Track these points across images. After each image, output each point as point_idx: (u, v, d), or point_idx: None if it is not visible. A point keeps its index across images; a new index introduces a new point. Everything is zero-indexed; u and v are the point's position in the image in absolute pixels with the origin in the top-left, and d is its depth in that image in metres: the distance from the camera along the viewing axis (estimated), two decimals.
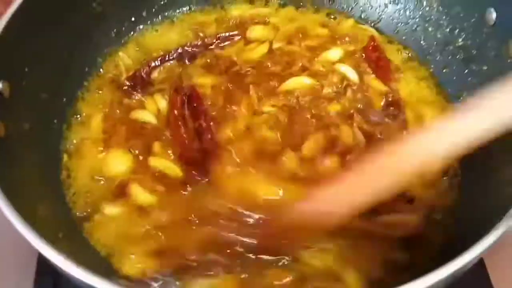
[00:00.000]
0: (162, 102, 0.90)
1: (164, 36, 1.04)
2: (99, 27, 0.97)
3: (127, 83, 0.94)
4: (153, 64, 0.96)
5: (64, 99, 0.90)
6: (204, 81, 0.93)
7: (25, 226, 0.58)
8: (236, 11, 1.07)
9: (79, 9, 0.92)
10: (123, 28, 1.02)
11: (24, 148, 0.77)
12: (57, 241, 0.66)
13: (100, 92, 0.94)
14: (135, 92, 0.93)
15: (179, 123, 0.85)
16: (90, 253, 0.75)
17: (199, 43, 0.99)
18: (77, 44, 0.93)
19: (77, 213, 0.79)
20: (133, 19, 1.03)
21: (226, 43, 1.00)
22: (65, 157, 0.85)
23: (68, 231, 0.74)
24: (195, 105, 0.88)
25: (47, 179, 0.80)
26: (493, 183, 0.70)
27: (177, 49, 0.98)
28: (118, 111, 0.90)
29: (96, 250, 0.76)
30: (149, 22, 1.04)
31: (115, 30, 1.01)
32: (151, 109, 0.90)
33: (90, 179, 0.82)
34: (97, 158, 0.84)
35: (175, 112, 0.87)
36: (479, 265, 0.82)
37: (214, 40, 1.00)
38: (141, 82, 0.94)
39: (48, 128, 0.85)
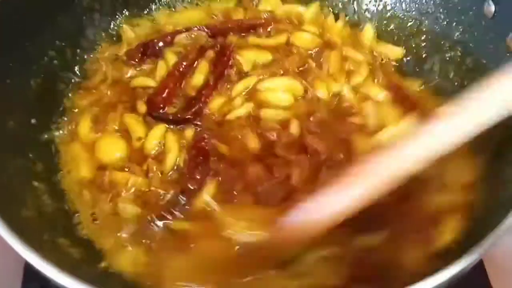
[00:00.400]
0: (173, 59, 0.90)
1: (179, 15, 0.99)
2: (90, 24, 0.95)
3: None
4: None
5: (52, 98, 0.88)
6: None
7: (12, 235, 0.57)
8: (267, 5, 0.99)
9: (68, 7, 0.90)
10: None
11: (12, 147, 0.75)
12: (43, 243, 0.64)
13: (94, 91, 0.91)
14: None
15: (176, 72, 0.87)
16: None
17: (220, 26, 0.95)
18: (68, 42, 0.90)
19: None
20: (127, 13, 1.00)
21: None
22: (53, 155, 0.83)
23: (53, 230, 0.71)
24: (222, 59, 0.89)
25: (35, 178, 0.77)
26: (491, 183, 0.69)
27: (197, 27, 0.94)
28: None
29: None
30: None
31: (106, 28, 0.98)
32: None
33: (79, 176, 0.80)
34: (86, 155, 0.82)
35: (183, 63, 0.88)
36: (478, 265, 0.81)
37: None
38: (152, 50, 0.92)
39: (35, 127, 0.83)
